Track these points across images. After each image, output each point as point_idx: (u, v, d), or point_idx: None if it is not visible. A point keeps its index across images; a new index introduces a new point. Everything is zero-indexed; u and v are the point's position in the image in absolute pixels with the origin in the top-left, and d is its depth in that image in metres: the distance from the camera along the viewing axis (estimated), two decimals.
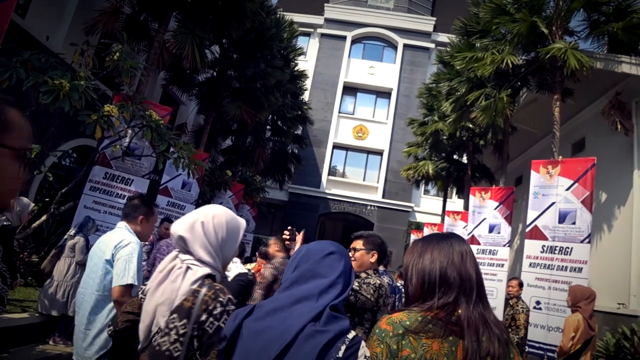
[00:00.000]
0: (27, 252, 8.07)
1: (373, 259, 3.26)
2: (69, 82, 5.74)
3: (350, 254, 3.25)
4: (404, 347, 1.40)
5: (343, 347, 1.35)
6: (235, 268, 5.28)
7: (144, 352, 1.77)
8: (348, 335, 1.38)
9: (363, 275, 3.20)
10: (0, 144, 1.09)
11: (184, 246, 1.89)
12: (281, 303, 1.48)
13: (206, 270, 1.84)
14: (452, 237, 1.70)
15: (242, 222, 2.05)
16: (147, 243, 7.04)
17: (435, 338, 1.42)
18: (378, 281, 3.11)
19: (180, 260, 1.87)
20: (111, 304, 2.98)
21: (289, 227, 3.07)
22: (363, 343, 1.40)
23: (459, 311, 1.50)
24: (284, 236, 3.04)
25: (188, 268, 1.84)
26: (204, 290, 1.77)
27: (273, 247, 4.84)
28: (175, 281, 1.81)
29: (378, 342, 1.45)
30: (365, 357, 1.38)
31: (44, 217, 7.07)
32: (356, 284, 3.03)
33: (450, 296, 1.52)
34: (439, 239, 1.71)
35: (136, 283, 2.94)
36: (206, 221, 1.91)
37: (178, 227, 1.90)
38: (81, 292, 3.10)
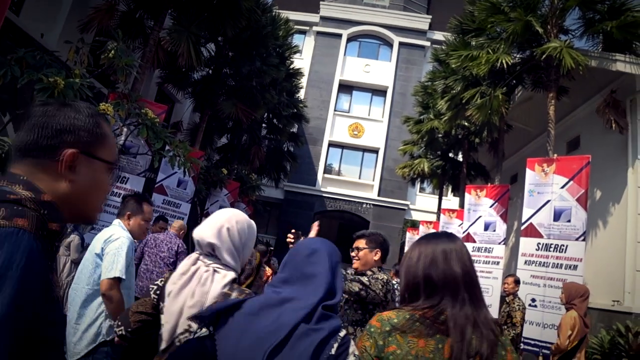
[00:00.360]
0: None
1: (377, 257, 3.31)
2: (64, 80, 5.72)
3: (354, 254, 3.34)
4: (390, 344, 1.46)
5: (335, 345, 1.39)
6: None
7: (167, 353, 1.81)
8: (340, 334, 1.42)
9: (369, 272, 3.26)
10: (99, 158, 1.10)
11: (210, 251, 1.94)
12: (272, 301, 1.49)
13: (232, 274, 1.91)
14: (441, 236, 1.72)
15: (254, 224, 2.12)
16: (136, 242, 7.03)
17: (422, 336, 1.46)
18: (385, 277, 3.20)
19: (204, 264, 1.92)
20: (100, 298, 2.98)
21: (293, 231, 3.10)
22: (352, 341, 1.45)
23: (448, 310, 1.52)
24: (287, 240, 3.05)
25: (215, 271, 1.90)
26: (235, 294, 1.83)
27: None
28: (205, 284, 1.86)
29: (368, 337, 1.52)
30: (354, 354, 1.42)
31: None
32: (366, 279, 3.10)
33: (436, 296, 1.54)
34: (428, 239, 1.73)
35: (124, 277, 2.97)
36: (231, 227, 1.96)
37: (205, 234, 1.95)
38: (73, 288, 3.12)
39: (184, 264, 1.94)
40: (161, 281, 1.98)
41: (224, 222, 1.97)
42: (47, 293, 0.93)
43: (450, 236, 1.71)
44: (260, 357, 1.37)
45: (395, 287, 4.48)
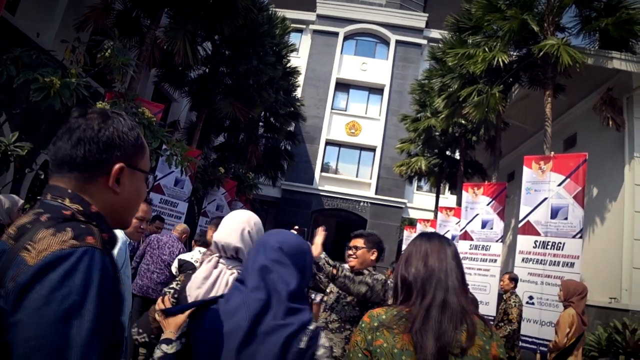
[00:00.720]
0: None
1: (373, 257, 3.40)
2: (60, 80, 5.69)
3: (351, 252, 3.39)
4: (377, 338, 1.55)
5: (305, 339, 1.45)
6: (198, 254, 5.35)
7: None
8: (309, 327, 1.48)
9: (366, 272, 3.34)
10: (140, 169, 1.15)
11: (234, 254, 1.96)
12: (238, 296, 1.53)
13: None
14: (420, 236, 1.82)
15: None
16: (131, 241, 7.05)
17: (406, 331, 1.54)
18: (383, 277, 3.31)
19: (226, 267, 1.95)
20: None
21: (297, 227, 3.12)
22: (322, 333, 1.53)
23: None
24: None
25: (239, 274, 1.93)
26: None
27: (209, 233, 4.86)
28: None
29: (359, 332, 1.62)
30: (324, 346, 1.49)
31: None
32: (369, 280, 3.18)
33: (411, 294, 1.65)
34: (411, 240, 1.83)
35: None
36: (251, 229, 1.99)
37: (231, 239, 1.96)
38: None
39: (206, 268, 1.95)
40: (177, 284, 1.98)
41: (244, 224, 1.99)
42: (118, 302, 1.00)
43: (427, 236, 1.80)
44: (229, 355, 1.42)
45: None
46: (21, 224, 0.97)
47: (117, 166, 1.07)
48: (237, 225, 1.98)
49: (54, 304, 0.84)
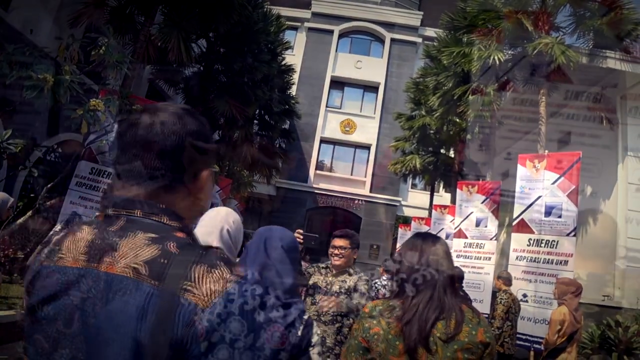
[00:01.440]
0: (12, 249, 7.97)
1: (355, 256, 3.65)
2: (54, 77, 5.66)
3: (337, 252, 3.55)
4: (374, 326, 1.73)
5: (301, 327, 1.64)
6: None
7: None
8: (304, 317, 1.67)
9: (351, 270, 3.57)
10: (209, 168, 1.07)
11: None
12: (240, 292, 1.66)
13: None
14: (412, 236, 1.99)
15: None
16: None
17: (399, 320, 1.71)
18: (367, 277, 3.56)
19: None
20: None
21: (299, 231, 3.16)
22: (314, 322, 1.73)
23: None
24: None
25: None
26: None
27: None
28: None
29: (358, 321, 1.81)
30: (317, 334, 1.74)
31: (29, 213, 6.99)
32: (366, 287, 3.42)
33: (402, 288, 1.82)
34: (407, 240, 2.02)
35: None
36: (229, 228, 2.01)
37: (210, 239, 1.97)
38: None
39: None
40: None
41: (223, 223, 2.00)
42: None
43: (421, 236, 1.96)
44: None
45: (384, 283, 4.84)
46: (150, 259, 0.87)
47: (205, 173, 1.01)
48: (215, 225, 1.98)
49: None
